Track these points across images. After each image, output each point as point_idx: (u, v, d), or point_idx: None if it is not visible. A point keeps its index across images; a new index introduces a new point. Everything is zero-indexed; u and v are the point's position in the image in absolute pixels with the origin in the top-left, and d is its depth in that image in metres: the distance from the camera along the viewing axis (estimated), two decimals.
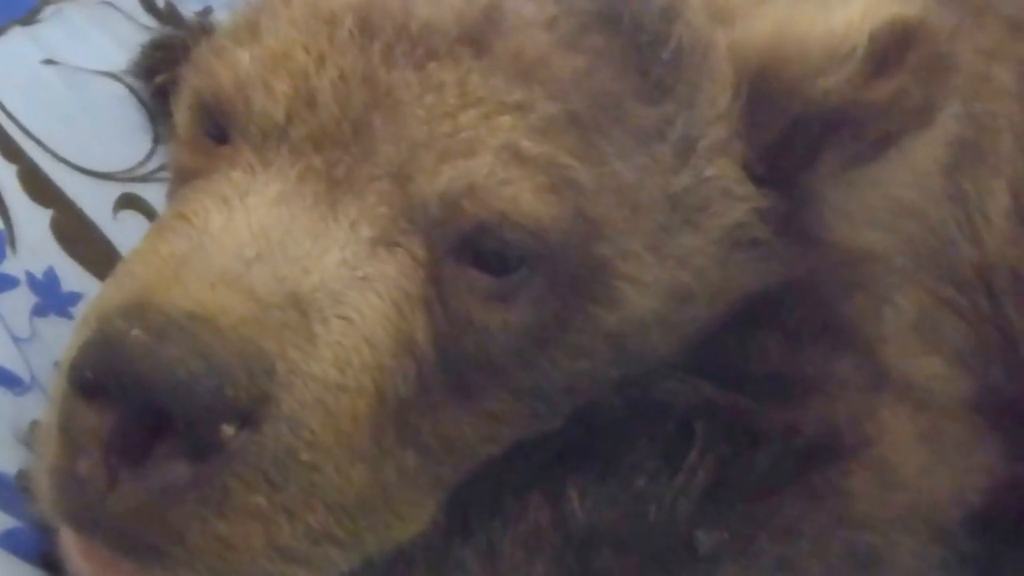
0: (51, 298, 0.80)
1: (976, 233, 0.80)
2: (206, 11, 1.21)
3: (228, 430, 0.52)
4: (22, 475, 0.67)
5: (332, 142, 0.58)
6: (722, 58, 0.66)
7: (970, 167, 0.79)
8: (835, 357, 0.71)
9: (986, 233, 0.80)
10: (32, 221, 0.84)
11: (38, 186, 0.86)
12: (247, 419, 0.53)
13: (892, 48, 0.64)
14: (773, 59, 0.65)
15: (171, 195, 0.71)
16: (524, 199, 0.58)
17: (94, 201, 0.89)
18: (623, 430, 0.68)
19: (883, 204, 0.72)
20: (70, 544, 0.57)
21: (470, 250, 0.59)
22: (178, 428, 0.51)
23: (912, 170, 0.72)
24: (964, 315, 0.79)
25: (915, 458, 0.72)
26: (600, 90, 0.61)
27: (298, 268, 0.55)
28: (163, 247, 0.57)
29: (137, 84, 1.06)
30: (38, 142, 0.90)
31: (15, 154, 0.88)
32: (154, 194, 0.94)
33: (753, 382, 0.69)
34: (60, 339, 0.77)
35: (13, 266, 0.80)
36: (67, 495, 0.54)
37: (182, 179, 0.66)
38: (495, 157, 0.58)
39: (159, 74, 1.03)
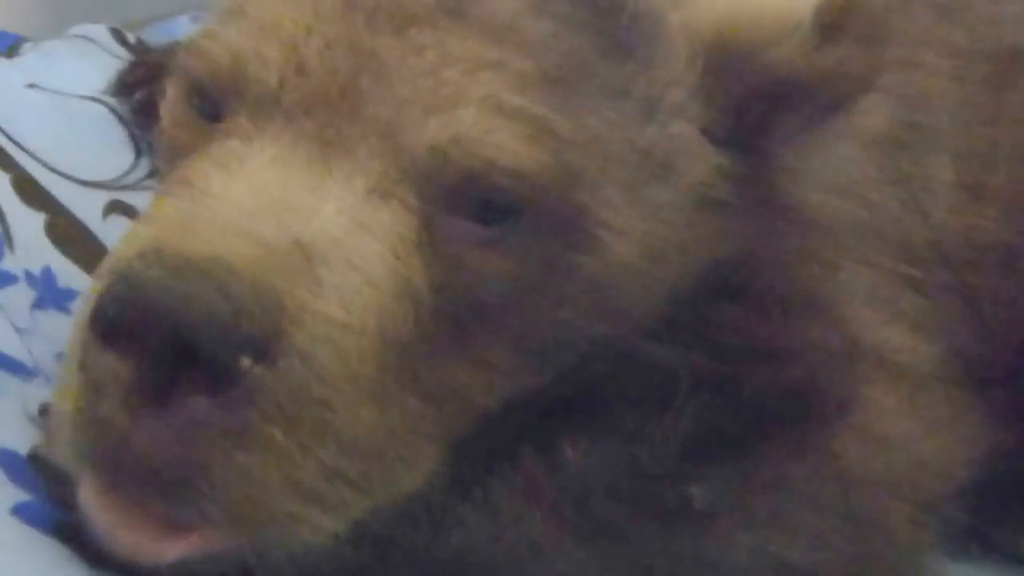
0: (49, 293, 0.81)
1: (924, 209, 0.84)
2: (173, 46, 1.26)
3: (246, 361, 0.54)
4: (31, 454, 0.69)
5: (322, 106, 0.61)
6: (674, 31, 0.71)
7: (909, 148, 0.84)
8: (805, 326, 0.74)
9: (933, 208, 0.84)
10: (27, 224, 0.86)
11: (31, 193, 0.89)
12: (263, 354, 0.55)
13: (835, 19, 0.69)
14: (726, 30, 0.70)
15: (164, 178, 0.73)
16: (508, 147, 0.61)
17: (84, 206, 0.91)
18: (610, 384, 0.71)
19: (830, 174, 0.77)
20: (90, 497, 0.59)
21: (459, 200, 0.62)
22: (198, 363, 0.53)
23: (847, 154, 0.77)
24: (921, 289, 0.82)
25: (899, 427, 0.74)
26: (567, 50, 0.65)
27: (299, 218, 0.58)
28: (168, 208, 0.60)
29: (117, 103, 1.10)
30: (29, 154, 0.93)
31: (7, 164, 0.90)
32: (141, 201, 0.97)
33: (726, 351, 0.71)
34: (60, 331, 0.79)
35: (11, 264, 0.81)
36: (90, 437, 0.56)
37: (175, 160, 0.68)
38: (478, 109, 0.61)
39: (139, 90, 1.07)
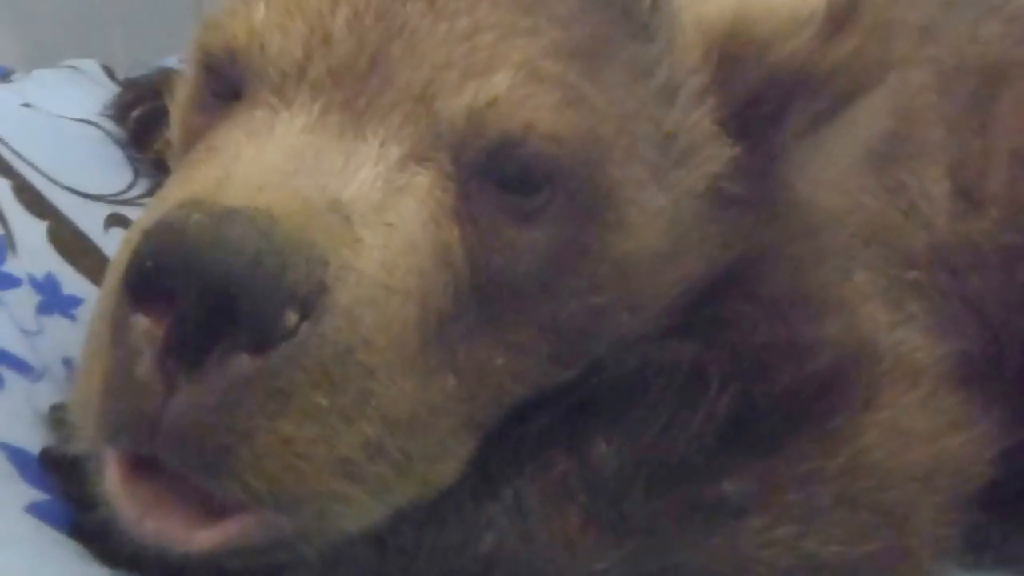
0: (54, 298, 0.79)
1: (924, 218, 0.86)
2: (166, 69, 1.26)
3: (292, 316, 0.51)
4: (45, 453, 0.66)
5: (351, 76, 0.60)
6: (689, 25, 0.71)
7: (906, 159, 0.86)
8: (822, 325, 0.73)
9: (934, 216, 0.86)
10: (29, 229, 0.84)
11: (32, 200, 0.87)
12: (308, 309, 0.52)
13: (847, 11, 0.70)
14: (740, 24, 0.71)
15: (177, 162, 0.70)
16: (545, 112, 0.61)
17: (85, 217, 0.90)
18: (638, 378, 0.69)
19: (835, 177, 0.77)
20: (115, 483, 0.55)
21: (494, 168, 0.61)
22: (240, 319, 0.50)
23: (849, 161, 0.77)
24: (926, 294, 0.83)
25: (921, 423, 0.74)
26: (595, 25, 0.66)
27: (336, 179, 0.56)
28: (199, 171, 0.57)
29: (111, 126, 1.09)
30: (29, 164, 0.91)
31: (7, 171, 0.88)
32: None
33: (747, 349, 0.70)
34: (65, 337, 0.77)
35: (15, 267, 0.79)
36: (122, 405, 0.52)
37: (190, 142, 0.66)
38: (515, 73, 0.61)
39: (136, 108, 1.06)
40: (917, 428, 0.73)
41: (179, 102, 0.73)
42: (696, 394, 0.68)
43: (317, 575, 0.61)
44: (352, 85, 0.60)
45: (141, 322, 0.52)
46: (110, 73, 1.27)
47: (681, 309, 0.70)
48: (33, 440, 0.66)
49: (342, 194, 0.56)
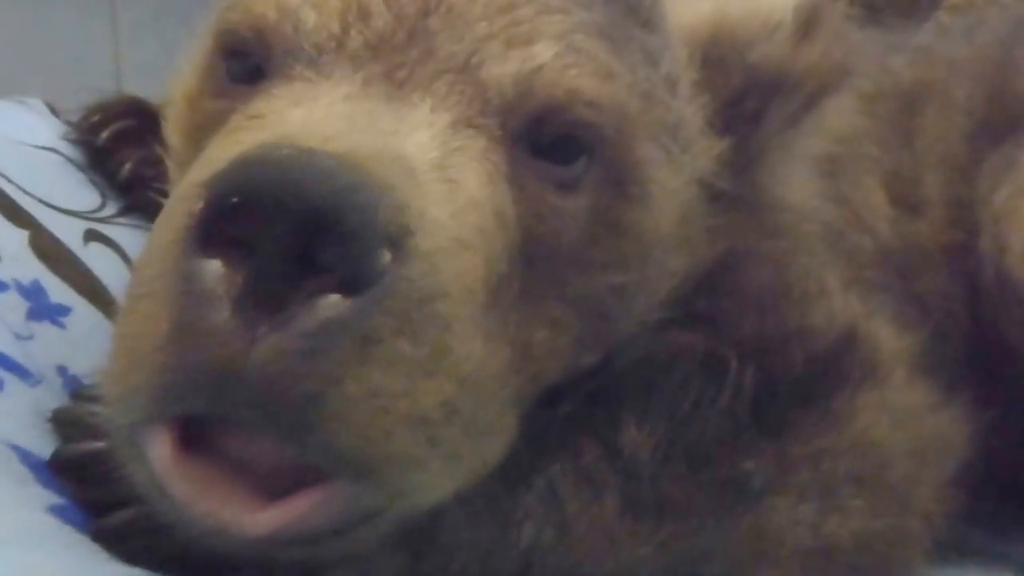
0: (42, 305, 0.75)
1: (867, 225, 0.93)
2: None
3: (385, 255, 0.49)
4: (57, 457, 0.61)
5: (390, 49, 0.60)
6: (674, 29, 0.75)
7: (843, 173, 0.92)
8: (805, 313, 0.75)
9: (876, 223, 0.93)
10: (10, 238, 0.80)
11: (11, 210, 0.82)
12: (398, 249, 0.50)
13: (811, 18, 0.75)
14: (719, 30, 0.74)
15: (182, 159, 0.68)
16: (587, 80, 0.62)
17: (63, 230, 0.86)
18: (657, 362, 0.69)
19: (800, 180, 0.81)
20: (165, 461, 0.50)
21: (538, 138, 0.62)
22: (335, 255, 0.47)
23: (804, 170, 0.82)
24: (881, 291, 0.87)
25: (911, 399, 0.76)
26: (611, 13, 0.68)
27: (395, 138, 0.55)
28: (245, 136, 0.55)
29: (73, 153, 1.04)
30: (3, 175, 0.86)
31: None
32: (118, 233, 0.92)
33: (740, 339, 0.72)
34: (56, 345, 0.73)
35: (0, 272, 0.74)
36: (197, 359, 0.47)
37: (206, 129, 0.63)
38: (556, 44, 0.62)
39: (104, 130, 1.02)
40: (907, 406, 0.75)
41: (185, 94, 0.70)
42: (719, 371, 0.69)
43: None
44: (392, 58, 0.60)
45: (215, 268, 0.48)
46: (53, 110, 1.22)
47: (670, 305, 0.71)
48: (40, 444, 0.61)
49: (404, 147, 0.55)
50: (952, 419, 0.77)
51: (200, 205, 0.48)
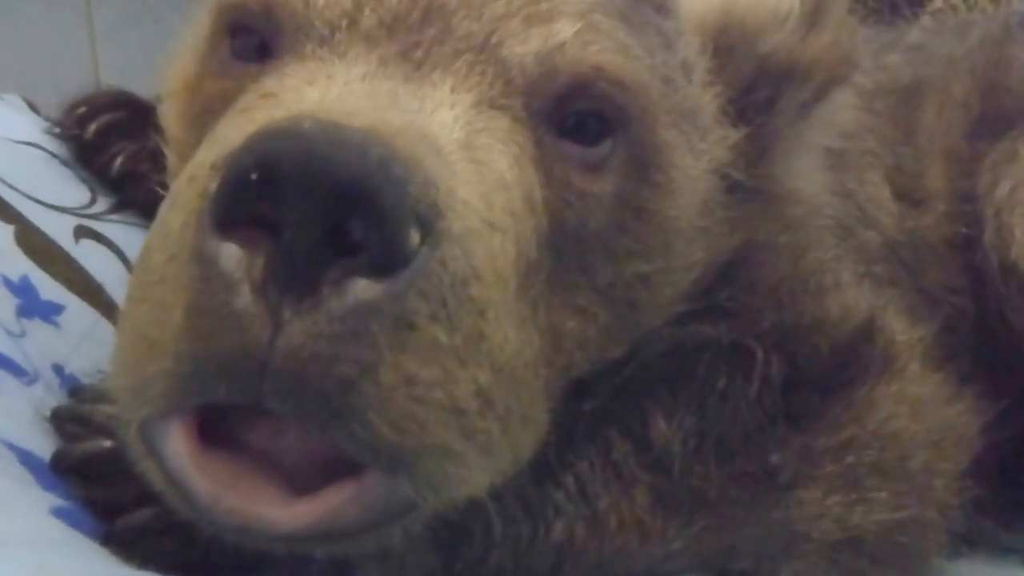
0: (32, 302, 0.71)
1: (873, 220, 0.92)
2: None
3: (416, 236, 0.46)
4: (56, 458, 0.58)
5: (405, 28, 0.58)
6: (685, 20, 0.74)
7: (848, 169, 0.92)
8: (822, 305, 0.75)
9: (881, 217, 0.93)
10: None
11: None
12: (429, 230, 0.47)
13: (818, 8, 0.74)
14: (728, 19, 0.74)
15: (184, 151, 0.64)
16: (611, 56, 0.61)
17: (52, 226, 0.82)
18: (683, 354, 0.68)
19: (810, 172, 0.80)
20: (185, 461, 0.47)
21: (563, 117, 0.60)
22: (364, 235, 0.44)
23: (814, 162, 0.81)
24: (890, 284, 0.87)
25: (926, 390, 0.75)
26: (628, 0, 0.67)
27: (419, 116, 0.53)
28: (259, 113, 0.52)
29: (57, 149, 1.00)
30: None
31: None
32: (109, 230, 0.88)
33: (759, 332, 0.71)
34: (50, 343, 0.70)
35: None
36: (219, 348, 0.45)
37: (209, 109, 0.61)
38: (577, 22, 0.60)
39: (91, 122, 0.98)
40: (923, 398, 0.74)
41: (183, 80, 0.67)
42: (746, 363, 0.68)
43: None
44: (407, 37, 0.57)
45: (233, 250, 0.45)
46: (32, 107, 1.18)
47: (692, 297, 0.70)
48: (39, 444, 0.58)
49: (428, 127, 0.52)
50: (965, 411, 0.76)
51: (216, 184, 0.45)
